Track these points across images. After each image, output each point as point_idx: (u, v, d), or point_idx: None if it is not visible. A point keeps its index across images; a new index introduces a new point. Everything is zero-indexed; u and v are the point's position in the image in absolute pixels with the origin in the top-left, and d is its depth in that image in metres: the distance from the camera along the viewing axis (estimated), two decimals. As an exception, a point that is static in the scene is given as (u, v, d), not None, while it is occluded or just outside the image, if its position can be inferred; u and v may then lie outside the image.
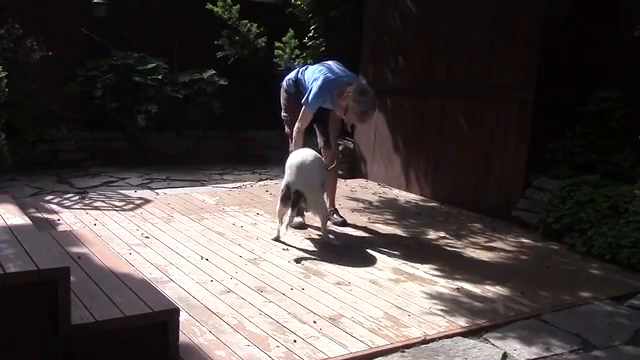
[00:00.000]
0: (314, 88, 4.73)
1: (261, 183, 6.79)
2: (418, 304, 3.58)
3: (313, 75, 4.86)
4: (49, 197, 5.64)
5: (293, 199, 4.42)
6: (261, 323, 3.22)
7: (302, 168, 4.47)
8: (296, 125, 4.84)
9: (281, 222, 4.57)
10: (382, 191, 6.56)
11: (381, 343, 3.06)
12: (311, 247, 4.56)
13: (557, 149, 5.34)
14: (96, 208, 5.32)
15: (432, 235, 5.04)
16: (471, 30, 5.88)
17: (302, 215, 5.03)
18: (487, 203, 5.71)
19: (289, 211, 4.44)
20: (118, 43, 7.71)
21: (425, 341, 3.11)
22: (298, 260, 4.21)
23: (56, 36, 7.04)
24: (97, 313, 2.62)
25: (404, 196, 6.39)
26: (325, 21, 7.44)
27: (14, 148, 6.01)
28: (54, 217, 4.94)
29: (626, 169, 5.03)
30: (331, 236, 4.81)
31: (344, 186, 6.52)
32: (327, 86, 4.71)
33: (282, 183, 4.58)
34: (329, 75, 4.77)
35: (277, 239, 4.62)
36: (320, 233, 4.74)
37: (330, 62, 5.04)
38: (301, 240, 4.71)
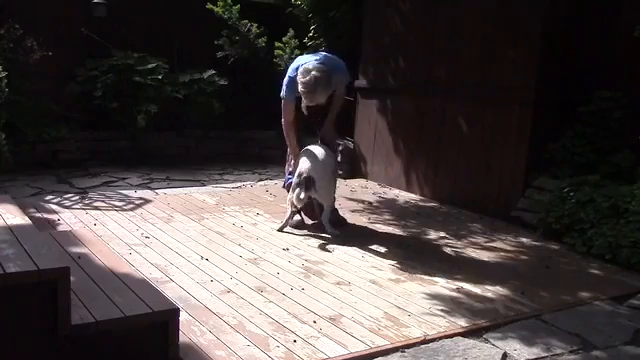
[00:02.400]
0: (285, 79, 4.80)
1: (261, 183, 6.79)
2: (418, 304, 3.58)
3: (289, 67, 4.94)
4: (49, 197, 5.64)
5: (305, 185, 4.70)
6: (261, 323, 3.22)
7: (314, 157, 4.79)
8: (282, 121, 4.92)
9: (291, 209, 4.90)
10: (382, 191, 6.56)
11: (381, 343, 3.06)
12: (311, 247, 4.56)
13: (557, 149, 5.33)
14: (96, 208, 5.32)
15: (432, 235, 5.04)
16: (471, 30, 5.87)
17: (301, 214, 5.04)
18: (487, 203, 5.71)
19: (301, 195, 4.70)
20: (118, 43, 7.71)
21: (425, 341, 3.11)
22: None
23: (56, 36, 7.04)
24: (97, 313, 2.61)
25: (404, 196, 6.39)
26: (325, 21, 7.43)
27: (14, 148, 6.01)
28: (54, 217, 4.95)
29: (626, 169, 5.03)
30: (328, 226, 4.86)
31: (344, 186, 6.52)
32: (292, 74, 4.76)
33: (295, 173, 4.82)
34: (296, 64, 4.80)
35: (284, 226, 4.94)
36: (325, 230, 4.87)
37: (321, 52, 5.08)
38: (301, 240, 4.72)
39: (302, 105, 4.80)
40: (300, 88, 4.61)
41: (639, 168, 4.94)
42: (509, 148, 5.55)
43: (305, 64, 4.66)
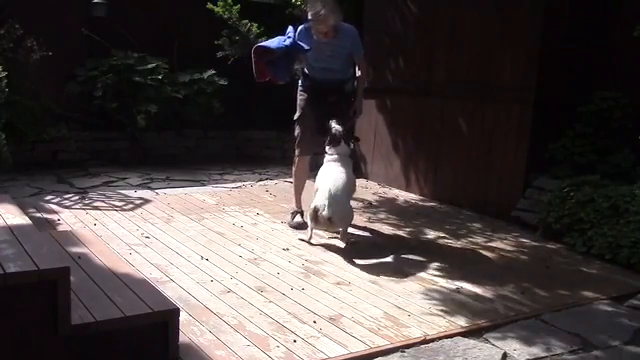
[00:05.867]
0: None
1: (261, 183, 6.79)
2: (418, 304, 3.58)
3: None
4: (49, 197, 5.64)
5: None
6: (261, 323, 3.22)
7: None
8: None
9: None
10: (382, 191, 6.56)
11: (381, 343, 3.06)
12: (311, 247, 4.56)
13: (557, 149, 5.33)
14: (96, 208, 5.32)
15: (432, 235, 5.04)
16: (471, 30, 5.88)
17: (302, 215, 5.05)
18: (487, 203, 5.71)
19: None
20: (118, 43, 7.71)
21: (425, 341, 3.11)
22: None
23: (56, 36, 7.02)
24: (97, 313, 2.62)
25: (404, 196, 6.39)
26: (325, 21, 7.42)
27: (14, 148, 5.99)
28: (54, 217, 4.95)
29: (626, 169, 5.03)
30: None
31: (344, 186, 6.51)
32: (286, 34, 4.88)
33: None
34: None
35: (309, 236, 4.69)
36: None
37: None
38: (301, 240, 4.71)
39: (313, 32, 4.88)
40: (310, 18, 4.80)
41: (639, 168, 4.94)
42: (509, 148, 5.55)
43: None
